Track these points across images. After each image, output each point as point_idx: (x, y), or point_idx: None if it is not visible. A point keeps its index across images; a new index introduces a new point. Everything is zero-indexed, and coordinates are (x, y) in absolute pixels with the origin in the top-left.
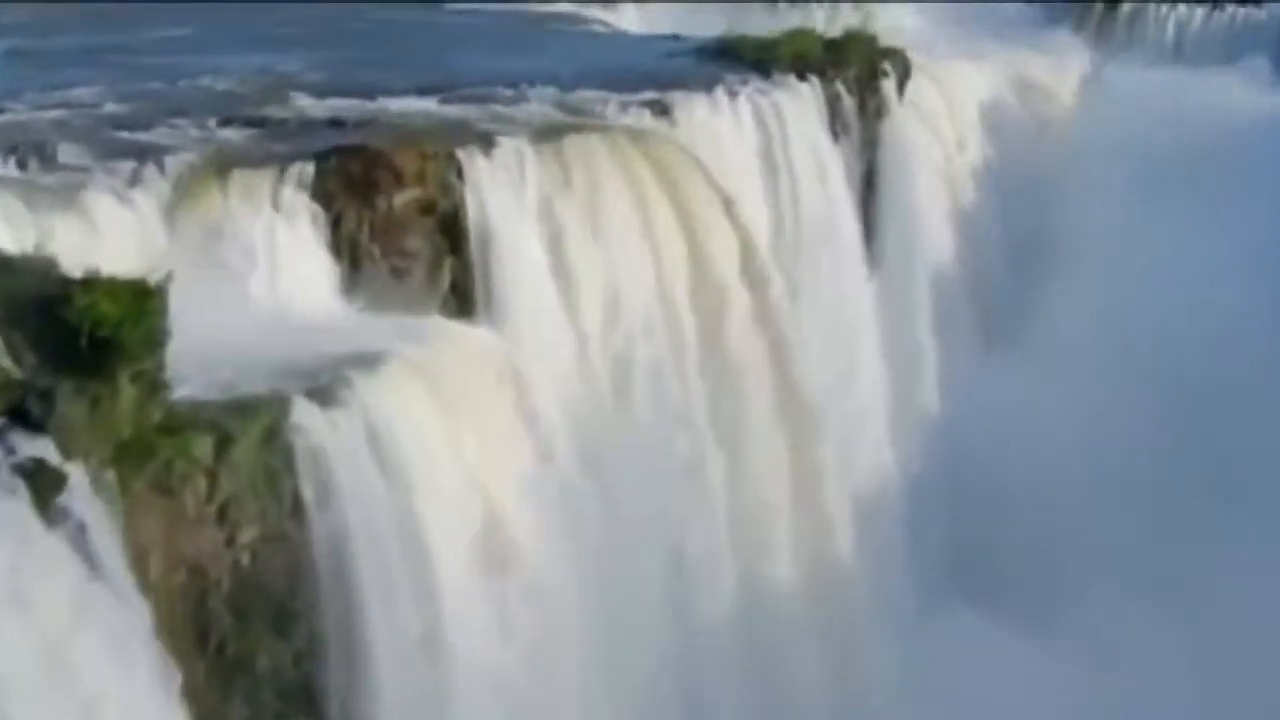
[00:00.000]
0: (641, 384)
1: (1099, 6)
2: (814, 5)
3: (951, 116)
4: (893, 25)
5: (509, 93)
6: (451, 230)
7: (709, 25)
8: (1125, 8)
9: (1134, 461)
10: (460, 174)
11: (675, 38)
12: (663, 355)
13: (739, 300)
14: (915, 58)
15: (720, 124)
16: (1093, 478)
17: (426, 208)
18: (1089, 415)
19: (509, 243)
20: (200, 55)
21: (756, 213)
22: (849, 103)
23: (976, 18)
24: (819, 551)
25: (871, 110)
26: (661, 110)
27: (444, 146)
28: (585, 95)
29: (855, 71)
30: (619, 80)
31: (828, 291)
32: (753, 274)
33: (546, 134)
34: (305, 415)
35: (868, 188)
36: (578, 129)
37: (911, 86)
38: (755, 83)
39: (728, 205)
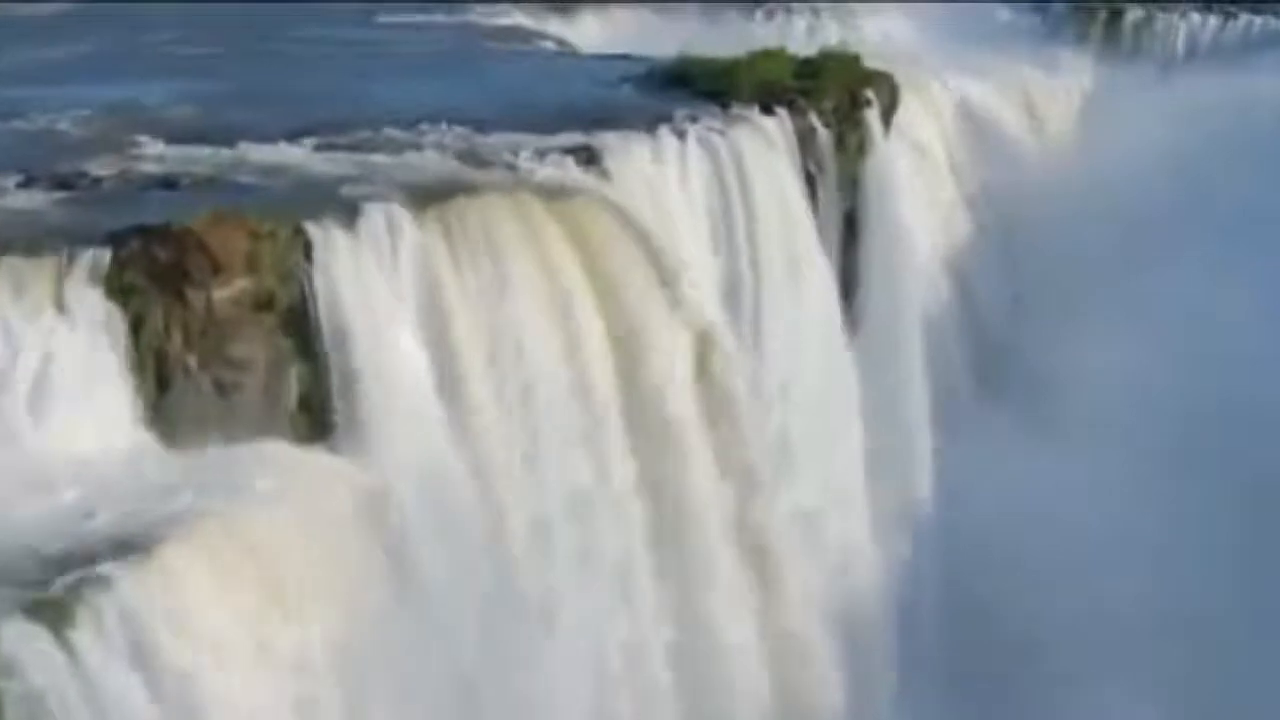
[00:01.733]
0: (559, 524)
1: (1102, 15)
2: (795, 14)
3: (945, 144)
4: (879, 36)
5: (404, 135)
6: (298, 329)
7: (676, 37)
8: (1131, 16)
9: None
10: (309, 255)
11: (626, 58)
12: (586, 488)
13: (684, 407)
14: (904, 76)
15: (664, 174)
16: (1123, 588)
17: (262, 302)
18: (1113, 501)
19: (377, 343)
20: (60, 84)
21: (708, 283)
22: (825, 138)
23: (970, 27)
24: (790, 689)
25: (852, 146)
26: (589, 159)
27: (287, 219)
28: (499, 139)
29: (833, 101)
30: (546, 116)
31: (798, 368)
32: (705, 371)
33: (435, 195)
34: (21, 646)
35: (848, 234)
36: (477, 188)
37: (900, 111)
38: (710, 118)
39: (669, 280)
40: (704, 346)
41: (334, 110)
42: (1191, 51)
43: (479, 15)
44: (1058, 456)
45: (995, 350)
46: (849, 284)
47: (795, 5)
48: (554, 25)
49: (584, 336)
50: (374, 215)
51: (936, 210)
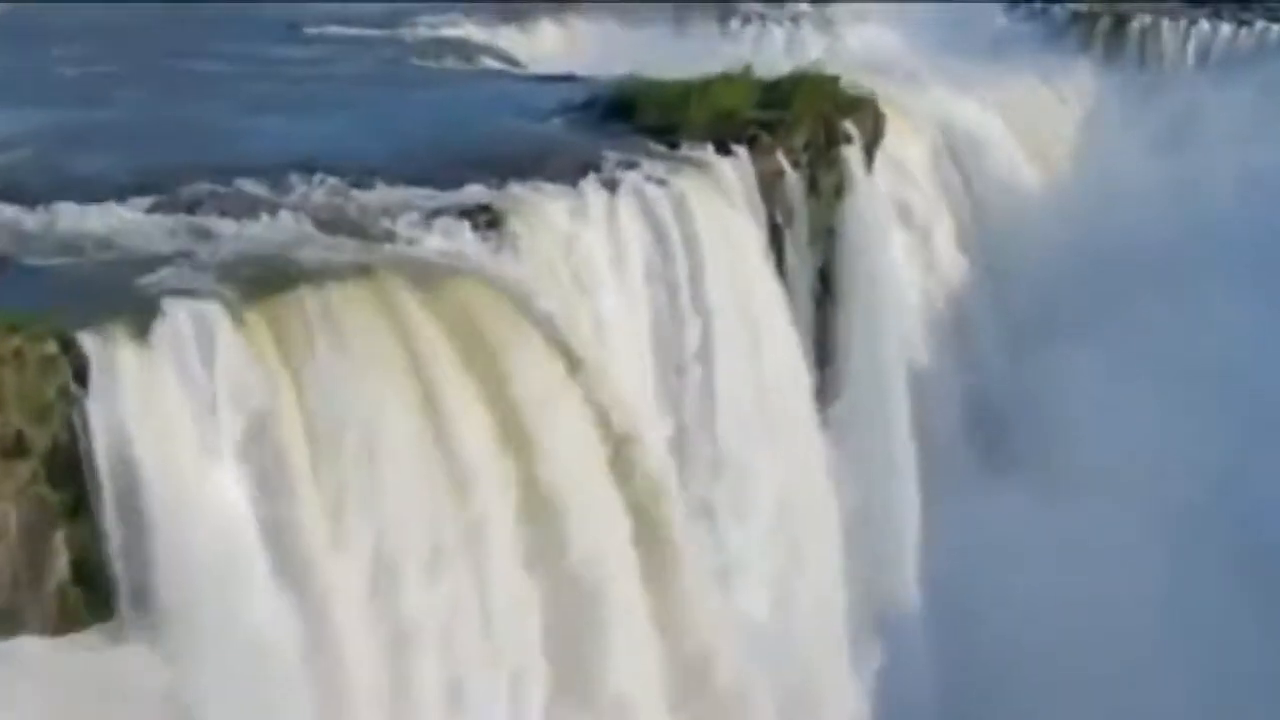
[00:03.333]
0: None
1: (1105, 21)
2: (772, 24)
3: (936, 174)
4: (863, 47)
5: (265, 191)
6: (68, 479)
7: (640, 51)
8: (1136, 24)
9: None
10: (82, 378)
11: (570, 80)
12: (463, 667)
13: (611, 559)
14: (890, 97)
15: (587, 237)
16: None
17: (8, 447)
18: (1132, 585)
19: (179, 490)
20: None
21: (642, 373)
22: (795, 182)
23: (962, 36)
24: None
25: (828, 189)
26: (491, 222)
27: (50, 330)
28: (382, 195)
29: (805, 136)
30: (450, 161)
31: (756, 461)
32: (637, 519)
33: (271, 283)
34: None
35: (823, 292)
36: (330, 270)
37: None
38: (652, 162)
39: (587, 391)
40: (626, 459)
41: (197, 154)
42: (1203, 62)
43: (423, 27)
44: (1073, 533)
45: (996, 412)
46: (823, 351)
47: (772, 14)
48: (507, 37)
49: (468, 476)
50: (178, 317)
51: (926, 253)
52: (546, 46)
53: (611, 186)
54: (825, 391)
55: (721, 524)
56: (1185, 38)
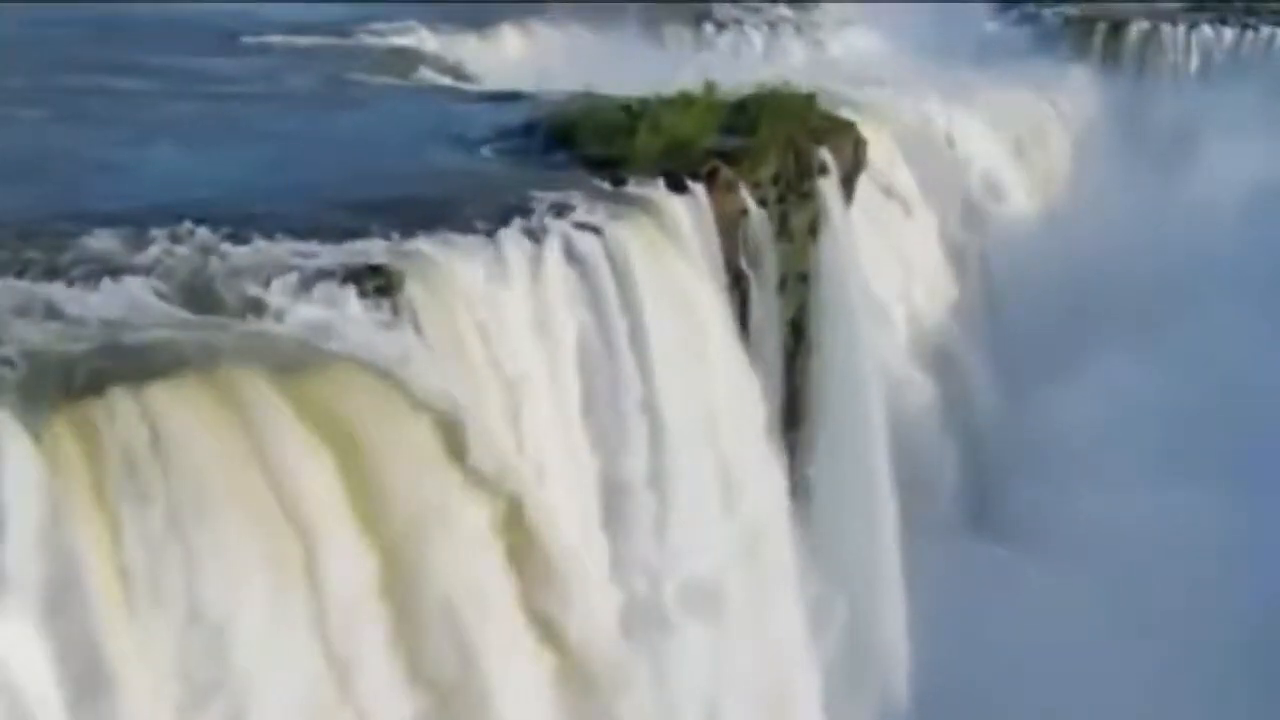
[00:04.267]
0: None
1: (1102, 27)
2: (750, 29)
3: (923, 193)
4: (847, 54)
5: (117, 247)
6: None
7: (606, 60)
8: (1135, 28)
9: None
10: None
11: (515, 98)
12: None
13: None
14: (873, 109)
15: (504, 303)
16: None
17: None
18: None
19: None
20: None
21: (573, 507)
22: (761, 222)
23: (951, 42)
24: None
25: (800, 228)
26: (383, 287)
27: None
28: (257, 251)
29: (773, 167)
30: (349, 206)
31: (713, 561)
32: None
33: (89, 380)
34: None
35: (795, 345)
36: (166, 364)
37: (872, 149)
38: (590, 204)
39: (497, 512)
40: (552, 626)
41: (54, 198)
42: (1205, 70)
43: (373, 36)
44: (1077, 610)
45: (991, 469)
46: (794, 412)
47: (750, 20)
48: (466, 46)
49: (341, 634)
50: None
51: (911, 285)
52: (508, 55)
53: (537, 237)
54: (795, 459)
55: (667, 644)
56: (1187, 43)
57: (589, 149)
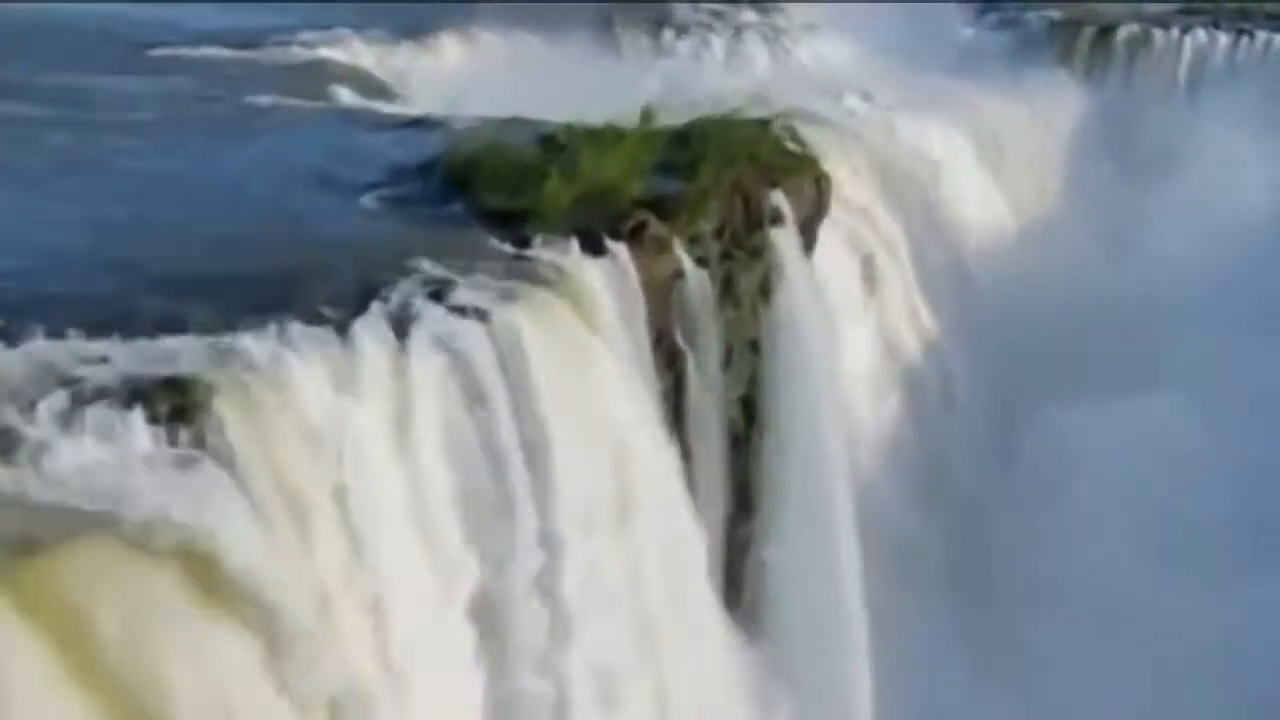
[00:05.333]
0: None
1: (1088, 32)
2: (713, 33)
3: (895, 218)
4: (814, 61)
5: None
6: None
7: (552, 73)
8: (1123, 33)
9: None
10: None
11: (422, 126)
12: None
13: None
14: (841, 124)
15: (354, 427)
16: None
17: None
18: None
19: None
20: None
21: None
22: (700, 285)
23: (925, 48)
24: None
25: (749, 290)
26: (180, 409)
27: None
28: (20, 357)
29: (716, 219)
30: (162, 284)
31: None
32: None
33: None
34: None
35: (745, 427)
36: None
37: (840, 172)
38: (478, 277)
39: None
40: None
41: None
42: (1198, 78)
43: (297, 47)
44: None
45: (981, 550)
46: (745, 503)
47: (713, 24)
48: (401, 56)
49: None
50: None
51: (883, 330)
52: (447, 66)
53: (404, 327)
54: (736, 591)
55: None
56: (1179, 50)
57: (490, 198)
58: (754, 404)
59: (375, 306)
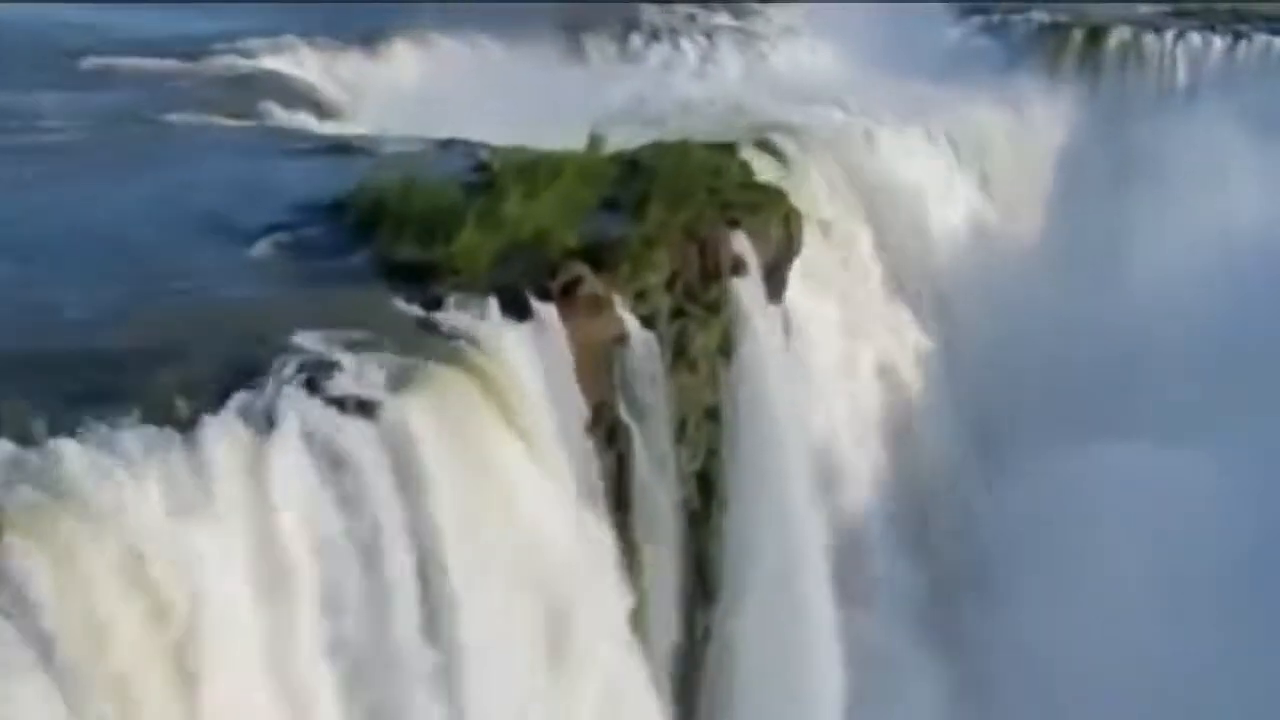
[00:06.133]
0: None
1: (1078, 36)
2: (684, 38)
3: (876, 241)
4: (792, 66)
5: None
6: None
7: (518, 80)
8: (1115, 37)
9: None
10: None
11: (356, 150)
12: None
13: None
14: (818, 136)
15: (198, 550)
16: None
17: None
18: None
19: None
20: None
21: None
22: (645, 348)
23: (909, 53)
24: None
25: (705, 350)
26: None
27: None
28: None
29: (665, 270)
30: None
31: None
32: None
33: None
34: None
35: (703, 504)
36: None
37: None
38: (370, 353)
39: None
40: None
41: None
42: (1194, 84)
43: (235, 56)
44: None
45: (970, 634)
46: (705, 588)
47: (684, 28)
48: (347, 66)
49: None
50: None
51: (863, 373)
52: (399, 76)
53: (266, 427)
54: (700, 657)
55: None
56: (1173, 53)
57: (399, 247)
58: (713, 479)
59: (236, 399)
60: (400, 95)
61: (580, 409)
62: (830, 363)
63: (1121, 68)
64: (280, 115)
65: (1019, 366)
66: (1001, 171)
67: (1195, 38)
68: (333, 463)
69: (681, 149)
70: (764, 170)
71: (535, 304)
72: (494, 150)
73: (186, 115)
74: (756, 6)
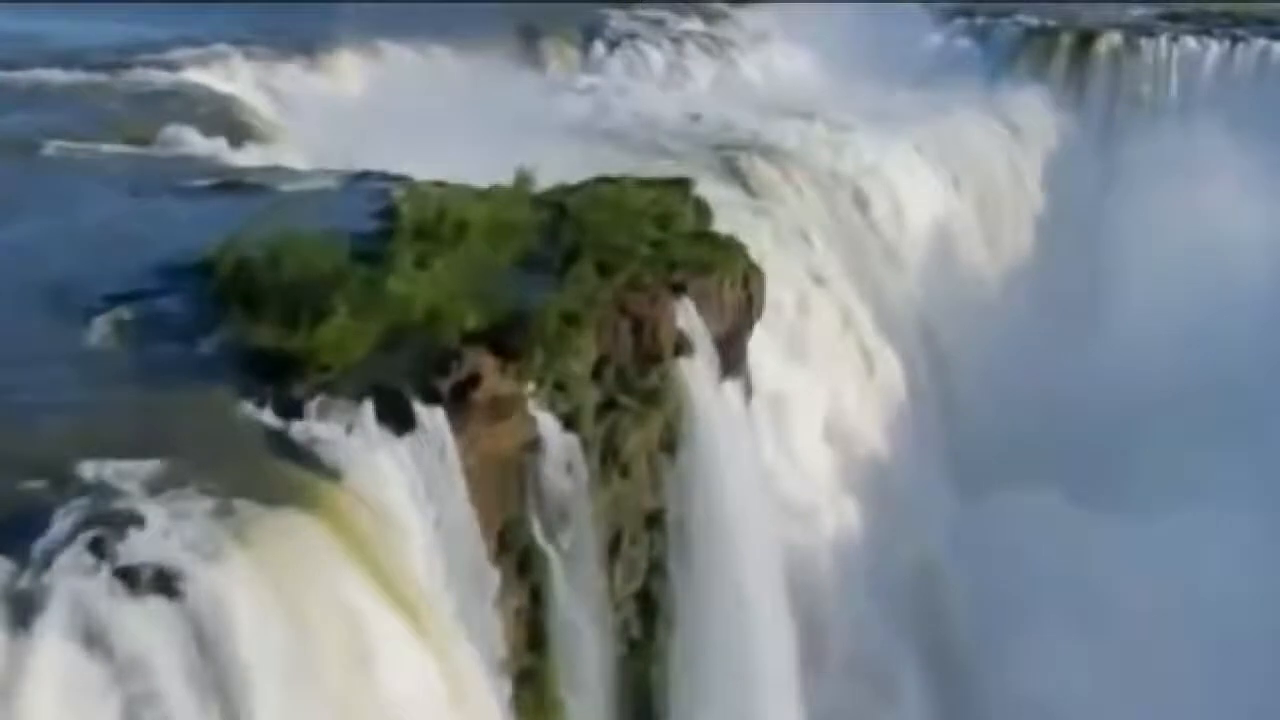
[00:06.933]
0: None
1: (1066, 41)
2: (648, 46)
3: (853, 269)
4: (765, 74)
5: None
6: None
7: (469, 92)
8: (1105, 43)
9: None
10: None
11: (242, 186)
12: None
13: None
14: (792, 153)
15: None
16: None
17: None
18: None
19: None
20: None
21: None
22: (565, 456)
23: (888, 59)
24: None
25: (643, 448)
26: None
27: None
28: None
29: (592, 354)
30: None
31: None
32: None
33: None
34: None
35: (644, 624)
36: None
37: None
38: (196, 491)
39: None
40: None
41: None
42: (1190, 92)
43: (159, 70)
44: None
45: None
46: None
47: (650, 33)
48: (284, 78)
49: None
50: None
51: (837, 424)
52: (344, 88)
53: (24, 616)
54: None
55: None
56: (1167, 60)
57: (261, 328)
58: (656, 599)
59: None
60: (340, 111)
61: (476, 546)
62: (802, 431)
63: (1113, 75)
64: (189, 141)
65: (1017, 399)
66: (990, 206)
67: (1191, 43)
68: (118, 668)
69: (617, 194)
70: (727, 204)
71: (420, 409)
72: (408, 191)
73: (72, 143)
74: (728, 9)
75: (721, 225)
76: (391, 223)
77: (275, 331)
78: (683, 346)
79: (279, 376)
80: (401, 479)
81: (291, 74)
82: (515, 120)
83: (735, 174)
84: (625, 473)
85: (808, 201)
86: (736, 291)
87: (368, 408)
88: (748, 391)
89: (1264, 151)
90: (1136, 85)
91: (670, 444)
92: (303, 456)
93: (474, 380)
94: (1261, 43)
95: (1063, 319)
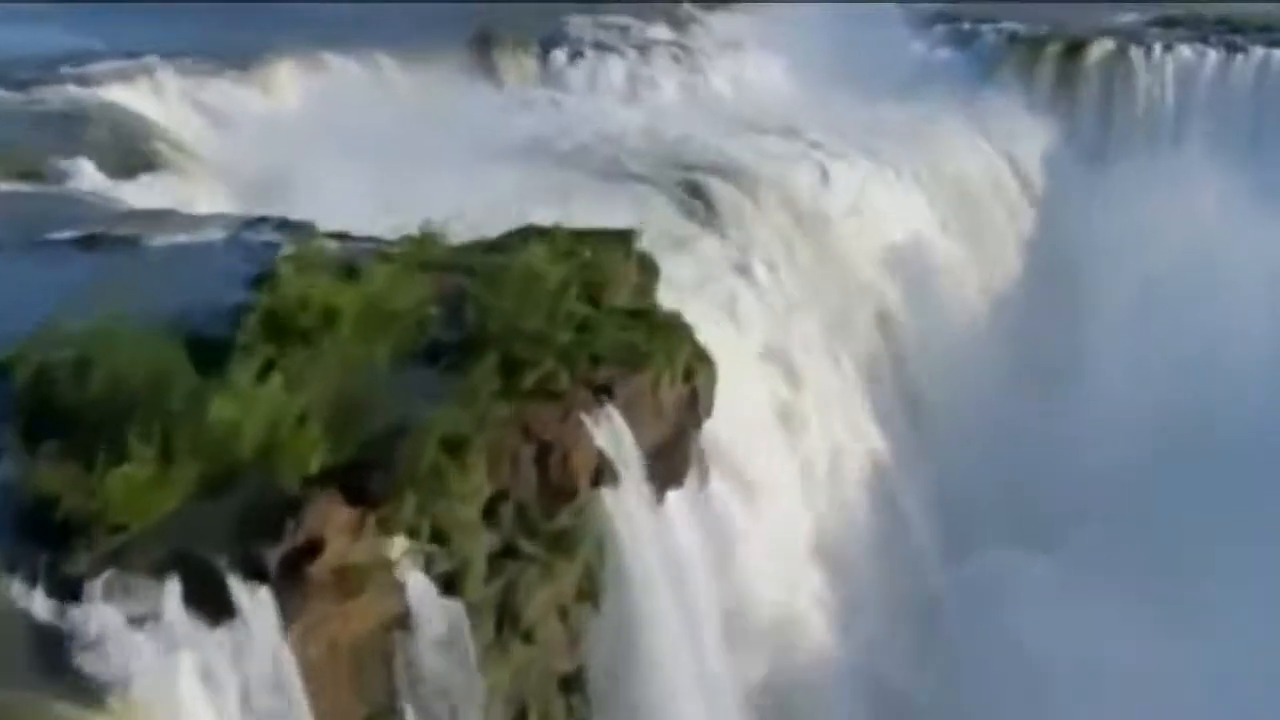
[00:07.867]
0: None
1: (1054, 49)
2: (611, 55)
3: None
4: (736, 86)
5: None
6: None
7: (416, 108)
8: (1095, 51)
9: None
10: None
11: (94, 242)
12: None
13: None
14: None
15: None
16: None
17: None
18: None
19: None
20: None
21: None
22: (448, 627)
23: (866, 69)
24: None
25: (559, 601)
26: None
27: None
28: None
29: (486, 491)
30: None
31: None
32: None
33: None
34: None
35: None
36: None
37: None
38: None
39: None
40: None
41: None
42: (1186, 103)
43: (74, 85)
44: None
45: None
46: None
47: (615, 41)
48: (216, 93)
49: None
50: None
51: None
52: (281, 105)
53: None
54: None
55: None
56: (1161, 69)
57: (48, 470)
58: None
59: None
60: (275, 129)
61: None
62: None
63: (1105, 85)
64: (80, 174)
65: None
66: (976, 230)
67: (1186, 51)
68: None
69: (535, 263)
70: (686, 246)
71: (239, 591)
72: (290, 254)
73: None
74: (698, 13)
75: (667, 294)
76: (269, 292)
77: (62, 476)
78: (603, 473)
79: (60, 541)
80: (211, 690)
81: (223, 89)
82: (466, 140)
83: (697, 203)
84: (529, 637)
85: (776, 252)
86: (677, 389)
87: (171, 589)
88: (703, 480)
89: (1263, 169)
90: (1129, 97)
91: (592, 593)
92: (79, 659)
93: (313, 547)
94: (1260, 51)
95: (1047, 384)
